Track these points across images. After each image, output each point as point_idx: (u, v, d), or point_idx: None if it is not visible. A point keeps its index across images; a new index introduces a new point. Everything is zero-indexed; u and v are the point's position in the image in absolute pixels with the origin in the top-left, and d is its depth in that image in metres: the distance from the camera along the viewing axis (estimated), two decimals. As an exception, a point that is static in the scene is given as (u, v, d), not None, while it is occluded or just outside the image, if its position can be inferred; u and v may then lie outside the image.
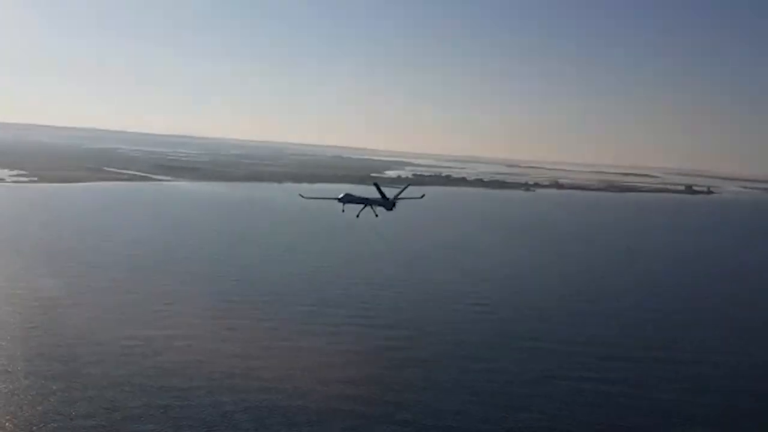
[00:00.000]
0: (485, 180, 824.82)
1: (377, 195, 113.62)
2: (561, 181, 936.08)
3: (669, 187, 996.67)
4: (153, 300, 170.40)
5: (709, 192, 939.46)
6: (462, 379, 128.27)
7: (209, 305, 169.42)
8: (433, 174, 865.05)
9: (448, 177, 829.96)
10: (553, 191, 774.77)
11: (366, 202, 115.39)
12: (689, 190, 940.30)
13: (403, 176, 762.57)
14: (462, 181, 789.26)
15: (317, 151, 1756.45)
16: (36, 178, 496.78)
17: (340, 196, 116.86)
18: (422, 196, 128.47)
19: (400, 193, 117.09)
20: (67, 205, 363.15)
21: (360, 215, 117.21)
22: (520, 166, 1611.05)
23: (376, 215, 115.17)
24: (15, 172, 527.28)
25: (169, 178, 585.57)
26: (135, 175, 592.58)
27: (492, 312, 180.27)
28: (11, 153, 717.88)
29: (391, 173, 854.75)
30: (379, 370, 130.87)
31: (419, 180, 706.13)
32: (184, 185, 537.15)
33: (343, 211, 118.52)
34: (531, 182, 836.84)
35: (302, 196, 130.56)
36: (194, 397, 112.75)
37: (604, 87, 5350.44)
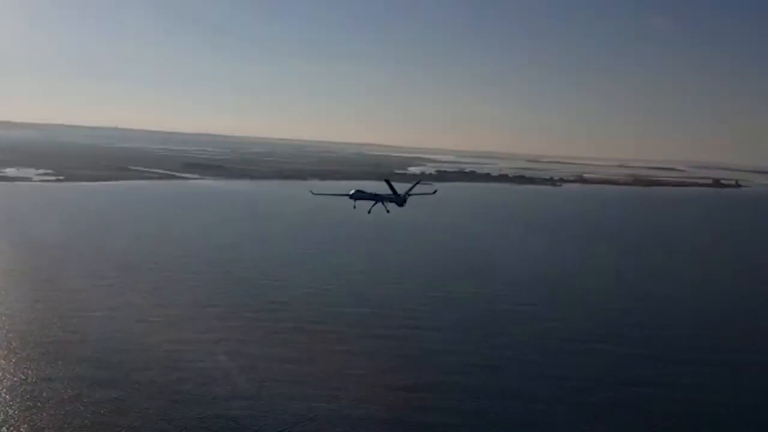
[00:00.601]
0: (510, 176, 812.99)
1: (388, 191, 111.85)
2: (586, 175, 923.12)
3: (696, 180, 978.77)
4: (196, 303, 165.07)
5: (738, 185, 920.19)
6: (524, 385, 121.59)
7: (253, 308, 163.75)
8: (456, 170, 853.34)
9: (472, 173, 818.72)
10: (580, 186, 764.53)
11: (377, 198, 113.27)
12: (717, 183, 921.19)
13: (427, 172, 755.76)
14: (486, 177, 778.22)
15: (338, 148, 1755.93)
16: (63, 177, 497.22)
17: (351, 192, 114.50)
18: (435, 192, 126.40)
19: (411, 188, 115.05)
20: (95, 205, 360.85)
21: (371, 211, 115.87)
22: (542, 161, 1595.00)
23: (388, 211, 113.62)
24: (42, 172, 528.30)
25: (195, 176, 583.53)
26: (161, 173, 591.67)
27: (542, 313, 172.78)
28: (38, 153, 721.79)
29: (414, 169, 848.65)
30: (437, 375, 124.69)
31: (442, 176, 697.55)
32: (211, 183, 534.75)
33: (354, 207, 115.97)
34: (556, 177, 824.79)
35: (312, 193, 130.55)
36: (247, 406, 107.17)
37: (622, 81, 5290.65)
